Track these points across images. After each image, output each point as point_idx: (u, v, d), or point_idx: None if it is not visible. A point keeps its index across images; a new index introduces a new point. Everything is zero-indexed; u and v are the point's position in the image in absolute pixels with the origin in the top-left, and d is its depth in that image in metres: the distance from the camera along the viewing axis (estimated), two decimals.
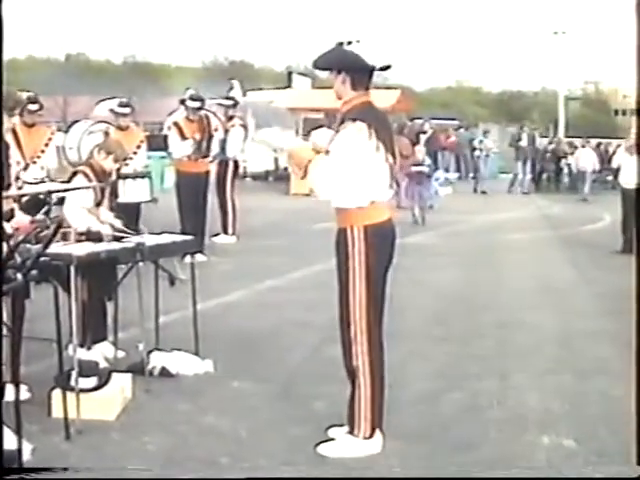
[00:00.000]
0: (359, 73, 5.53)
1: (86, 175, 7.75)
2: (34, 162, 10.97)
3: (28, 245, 4.89)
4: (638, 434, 5.18)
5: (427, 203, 19.37)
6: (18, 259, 4.77)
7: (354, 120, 5.41)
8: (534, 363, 7.78)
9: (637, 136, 18.32)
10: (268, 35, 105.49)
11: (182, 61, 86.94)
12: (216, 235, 14.73)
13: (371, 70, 5.58)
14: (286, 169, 26.47)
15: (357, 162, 5.37)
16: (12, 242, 4.67)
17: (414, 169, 18.94)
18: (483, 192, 27.13)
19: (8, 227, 5.73)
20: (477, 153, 28.74)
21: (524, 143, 28.21)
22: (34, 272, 5.18)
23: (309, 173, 5.46)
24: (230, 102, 15.22)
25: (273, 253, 13.62)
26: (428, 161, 19.86)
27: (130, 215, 10.77)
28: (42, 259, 5.28)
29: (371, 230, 5.46)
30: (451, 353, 8.11)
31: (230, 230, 14.90)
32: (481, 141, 29.23)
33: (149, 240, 7.15)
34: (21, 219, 5.90)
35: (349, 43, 5.89)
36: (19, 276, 4.83)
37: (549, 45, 60.14)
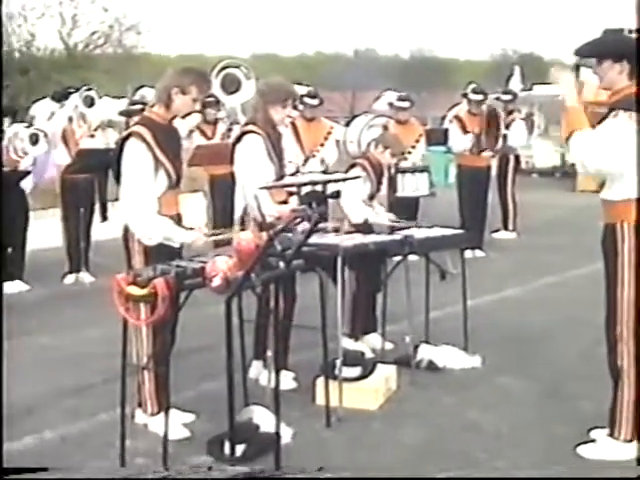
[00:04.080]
0: (637, 62, 5.27)
1: (363, 167, 7.90)
2: (313, 156, 11.25)
3: (290, 234, 4.99)
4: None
5: None
6: (278, 247, 4.89)
7: (626, 110, 5.17)
8: None
9: None
10: (557, 26, 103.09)
11: (470, 55, 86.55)
12: (496, 231, 14.57)
13: None
14: (573, 165, 25.76)
15: (626, 151, 5.11)
16: (272, 231, 4.79)
17: None
18: None
19: (269, 216, 5.92)
20: None
21: None
22: (298, 261, 5.31)
23: (572, 141, 5.20)
24: (509, 96, 14.95)
25: (554, 250, 13.26)
26: None
27: (409, 209, 10.88)
28: (309, 249, 5.41)
29: None
30: None
31: (510, 226, 14.68)
32: None
33: (418, 233, 7.18)
34: (282, 208, 6.06)
35: (630, 32, 5.67)
36: (281, 264, 4.96)
37: None
